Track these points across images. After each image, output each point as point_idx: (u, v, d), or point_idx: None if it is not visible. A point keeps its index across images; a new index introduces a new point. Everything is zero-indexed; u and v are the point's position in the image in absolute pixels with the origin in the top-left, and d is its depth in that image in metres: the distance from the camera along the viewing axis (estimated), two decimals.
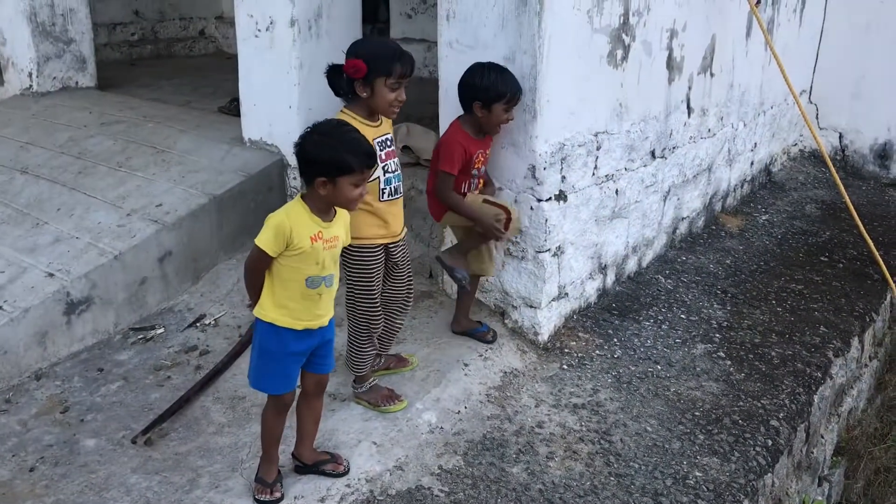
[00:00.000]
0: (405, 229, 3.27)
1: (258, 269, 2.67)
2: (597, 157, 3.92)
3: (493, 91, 3.33)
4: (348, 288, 3.21)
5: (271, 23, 4.38)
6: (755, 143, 5.96)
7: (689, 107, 4.75)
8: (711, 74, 4.95)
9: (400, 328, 3.42)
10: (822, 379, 3.80)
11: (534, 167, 3.57)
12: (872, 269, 4.98)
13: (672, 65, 4.45)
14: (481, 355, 3.67)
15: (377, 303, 3.19)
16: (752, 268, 4.91)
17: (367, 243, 3.10)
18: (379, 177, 3.07)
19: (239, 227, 4.44)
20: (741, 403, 3.52)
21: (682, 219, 5.06)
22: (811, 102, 6.89)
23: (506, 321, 3.89)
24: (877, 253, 4.91)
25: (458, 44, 3.63)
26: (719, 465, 3.13)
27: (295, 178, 4.58)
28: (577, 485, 2.97)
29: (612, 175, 4.09)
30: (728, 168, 5.57)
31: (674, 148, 4.67)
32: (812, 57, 6.70)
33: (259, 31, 4.44)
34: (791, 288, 4.68)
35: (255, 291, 2.71)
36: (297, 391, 2.85)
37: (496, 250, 3.71)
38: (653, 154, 4.44)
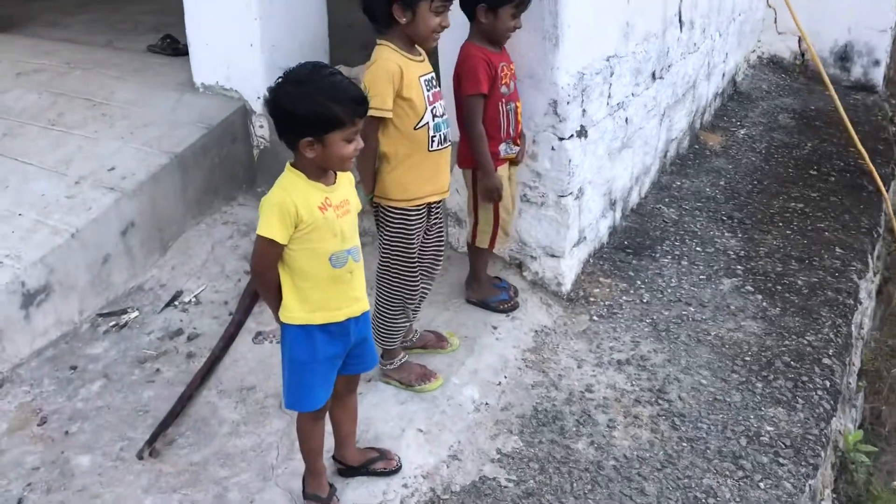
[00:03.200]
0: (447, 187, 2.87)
1: (270, 265, 2.20)
2: (610, 85, 3.57)
3: None
4: (383, 252, 2.80)
5: None
6: (727, 54, 5.70)
7: (681, 20, 4.41)
8: None
9: (427, 294, 3.05)
10: (855, 305, 3.65)
11: (555, 102, 3.19)
12: (864, 180, 4.84)
13: None
14: (507, 314, 3.33)
15: (415, 268, 2.81)
16: (747, 188, 4.70)
17: (411, 205, 2.70)
18: (428, 122, 2.65)
19: (204, 188, 3.92)
20: (787, 343, 3.32)
21: (672, 140, 4.78)
22: (769, 6, 6.64)
23: (524, 273, 3.55)
24: (871, 164, 4.76)
25: None
26: (787, 415, 2.93)
27: (261, 127, 4.05)
28: (651, 456, 2.72)
29: (622, 103, 3.75)
30: (707, 82, 5.29)
31: (669, 66, 4.34)
32: None
33: None
34: (792, 207, 4.49)
35: (273, 294, 2.24)
36: None
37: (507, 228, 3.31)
38: (653, 75, 4.11)
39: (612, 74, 3.55)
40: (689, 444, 2.77)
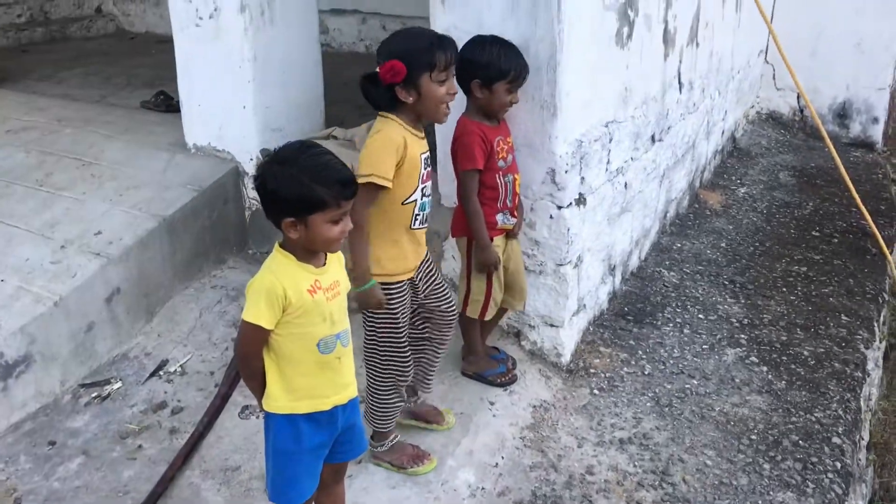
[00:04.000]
0: (427, 251, 2.77)
1: (256, 351, 2.10)
2: (609, 151, 3.49)
3: (493, 68, 2.81)
4: (368, 331, 2.69)
5: (216, 9, 3.71)
6: (726, 111, 5.66)
7: (680, 82, 4.37)
8: (697, 45, 4.57)
9: (437, 366, 2.94)
10: (863, 378, 3.53)
11: (553, 171, 3.11)
12: (867, 242, 4.76)
13: (667, 38, 4.04)
14: (505, 388, 3.22)
15: (404, 346, 2.69)
16: (749, 250, 4.61)
17: (392, 280, 2.59)
18: (416, 200, 2.56)
19: (194, 251, 3.82)
20: (794, 419, 3.19)
21: (671, 201, 4.71)
22: (767, 62, 6.65)
23: (522, 343, 3.44)
24: (875, 227, 4.68)
25: (457, 30, 3.08)
26: (796, 500, 2.80)
27: (254, 188, 3.96)
28: None
29: (621, 168, 3.67)
30: (706, 141, 5.24)
31: (668, 128, 4.28)
32: (768, 14, 6.42)
33: (201, 18, 3.77)
34: (795, 270, 4.40)
35: (258, 381, 2.14)
36: None
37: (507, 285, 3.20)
38: (653, 138, 4.04)
39: (610, 140, 3.48)
40: None
